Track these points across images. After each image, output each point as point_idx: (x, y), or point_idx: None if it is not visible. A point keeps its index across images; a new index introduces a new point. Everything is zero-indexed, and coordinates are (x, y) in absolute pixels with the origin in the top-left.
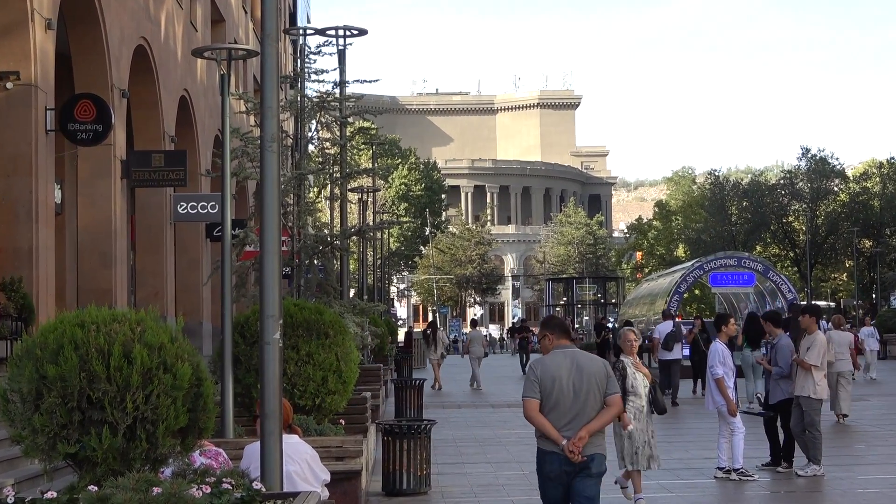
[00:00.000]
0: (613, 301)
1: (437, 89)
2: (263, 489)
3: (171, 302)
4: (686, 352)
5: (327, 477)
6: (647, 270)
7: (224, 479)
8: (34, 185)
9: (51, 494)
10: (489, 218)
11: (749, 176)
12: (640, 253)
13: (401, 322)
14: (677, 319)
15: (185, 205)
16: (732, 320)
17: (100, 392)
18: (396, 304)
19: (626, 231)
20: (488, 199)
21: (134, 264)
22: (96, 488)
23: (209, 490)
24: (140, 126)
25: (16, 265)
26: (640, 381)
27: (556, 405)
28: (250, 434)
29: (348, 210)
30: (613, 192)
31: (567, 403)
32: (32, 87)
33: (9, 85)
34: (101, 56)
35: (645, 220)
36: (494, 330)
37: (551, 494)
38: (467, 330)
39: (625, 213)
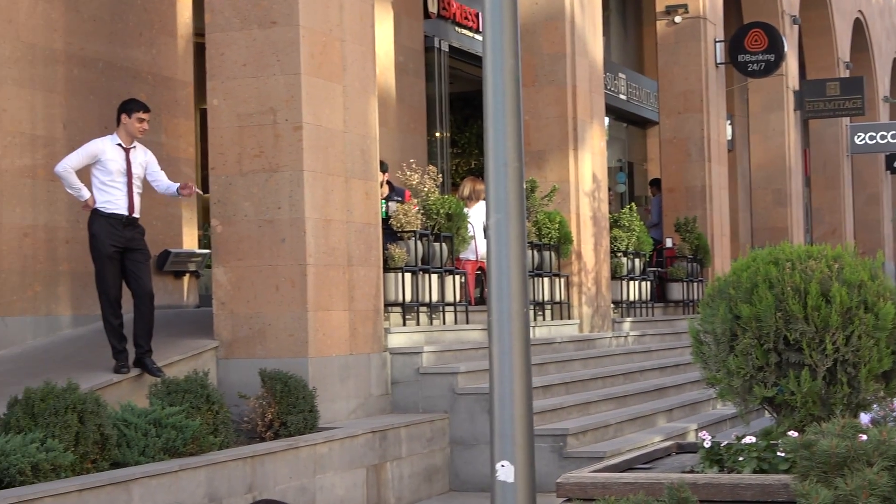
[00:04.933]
0: None
1: None
2: None
3: (849, 240)
4: None
5: None
6: None
7: None
8: (705, 122)
9: (749, 439)
10: None
11: None
12: None
13: None
14: None
15: (863, 135)
16: None
17: (797, 333)
18: None
19: None
20: None
21: (809, 201)
22: (797, 433)
23: None
24: (812, 53)
25: (689, 205)
26: None
27: None
28: None
29: None
30: None
31: None
32: (701, 19)
33: (677, 19)
34: None
35: None
36: None
37: None
38: None
39: None
